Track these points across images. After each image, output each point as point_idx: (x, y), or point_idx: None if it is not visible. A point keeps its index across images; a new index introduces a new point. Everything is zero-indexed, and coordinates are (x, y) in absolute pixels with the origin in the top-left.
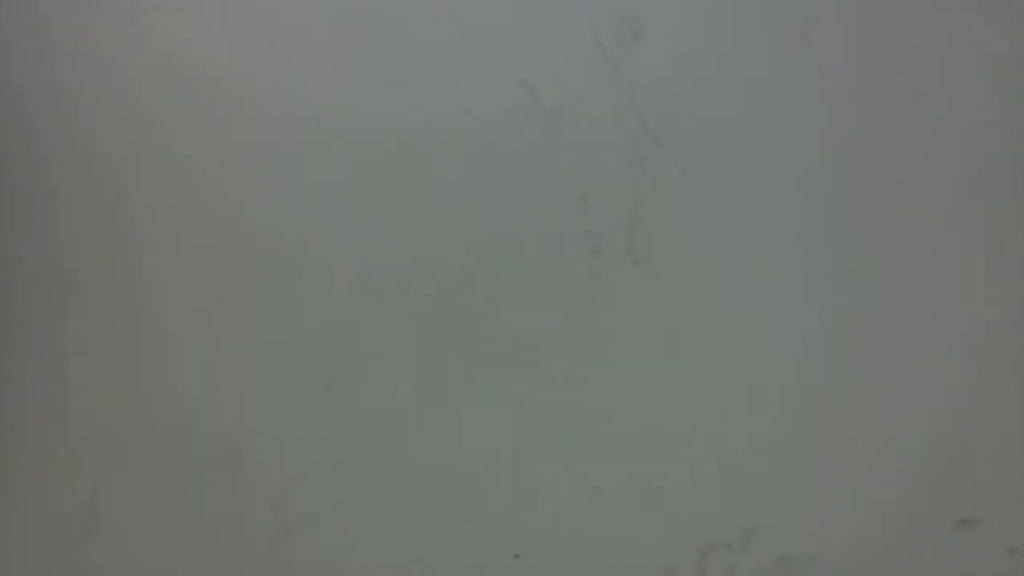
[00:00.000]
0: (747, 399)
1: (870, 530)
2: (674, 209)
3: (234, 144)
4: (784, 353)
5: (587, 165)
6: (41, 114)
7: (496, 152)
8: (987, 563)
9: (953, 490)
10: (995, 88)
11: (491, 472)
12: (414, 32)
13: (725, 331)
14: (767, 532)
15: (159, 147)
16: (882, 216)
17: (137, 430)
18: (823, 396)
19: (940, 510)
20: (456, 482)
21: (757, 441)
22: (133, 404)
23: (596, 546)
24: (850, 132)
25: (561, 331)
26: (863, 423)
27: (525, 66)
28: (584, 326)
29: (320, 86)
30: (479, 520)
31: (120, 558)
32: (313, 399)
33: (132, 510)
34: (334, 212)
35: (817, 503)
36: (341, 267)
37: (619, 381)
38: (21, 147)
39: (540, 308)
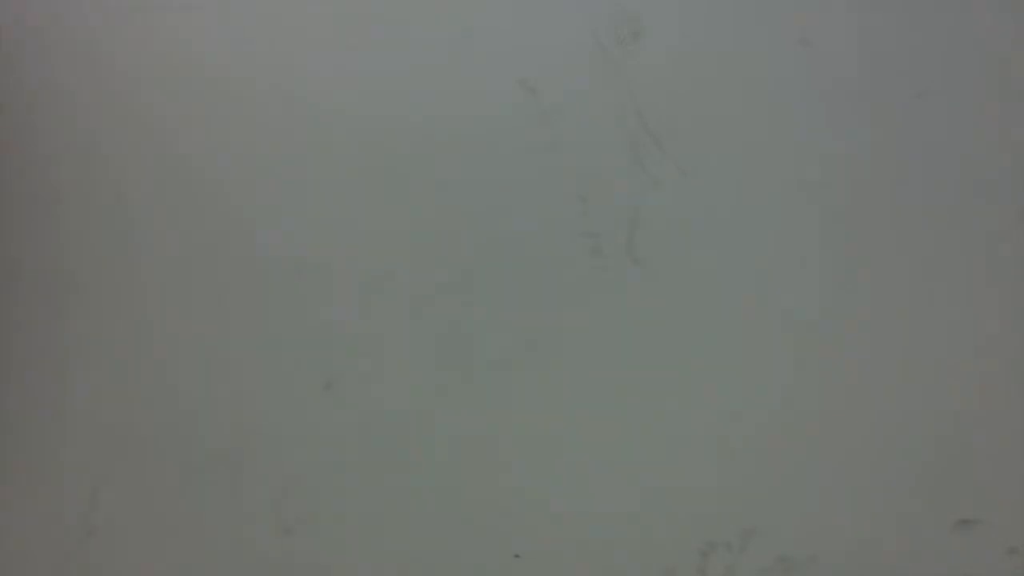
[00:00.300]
0: (747, 399)
1: (870, 530)
2: (674, 209)
3: (234, 144)
4: (784, 353)
5: (587, 165)
6: (41, 114)
7: (496, 152)
8: (987, 563)
9: (953, 490)
10: (995, 88)
11: (491, 472)
12: (414, 32)
13: (725, 331)
14: (767, 532)
15: (159, 147)
16: (882, 216)
17: (137, 430)
18: (823, 396)
19: (940, 510)
20: (456, 482)
21: (757, 441)
22: (133, 404)
23: (596, 546)
24: (850, 132)
25: (561, 331)
26: (863, 423)
27: (525, 66)
28: (584, 326)
29: (320, 86)
30: (479, 520)
31: (120, 558)
32: (313, 399)
33: (132, 510)
34: (334, 212)
35: (817, 503)
36: (341, 267)
37: (619, 381)
38: (21, 147)
39: (540, 308)
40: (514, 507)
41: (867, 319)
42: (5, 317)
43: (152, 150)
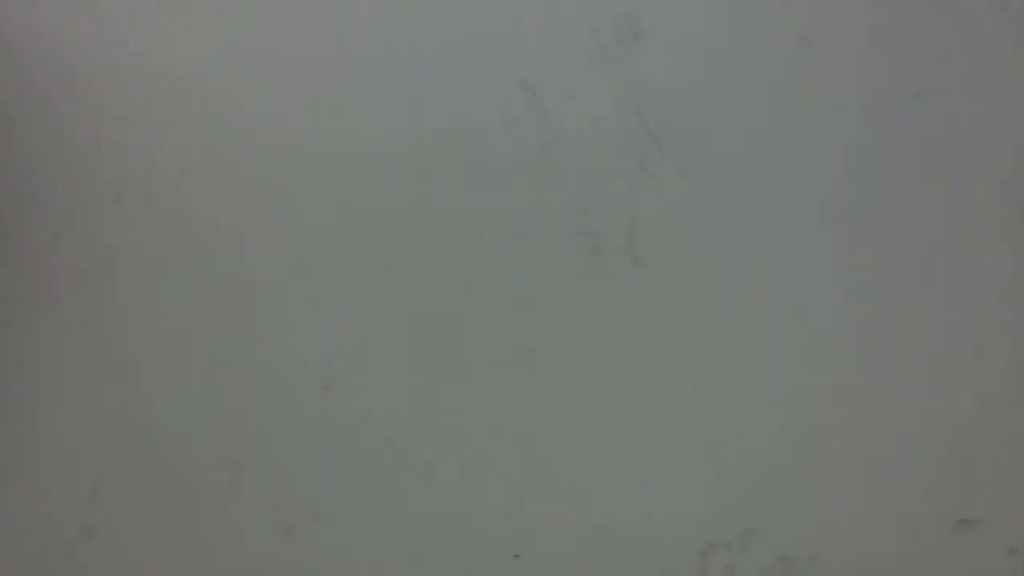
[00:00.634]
0: (747, 399)
1: (870, 530)
2: (674, 209)
3: (233, 144)
4: (784, 353)
5: (587, 165)
6: (41, 113)
7: (496, 152)
8: (987, 563)
9: (953, 490)
10: (995, 88)
11: (491, 472)
12: (414, 32)
13: (725, 331)
14: (767, 532)
15: (159, 147)
16: (882, 216)
17: (137, 430)
18: (823, 396)
19: (940, 510)
20: (456, 482)
21: (757, 441)
22: (133, 404)
23: (596, 546)
24: (850, 132)
25: (561, 331)
26: (863, 423)
27: (525, 66)
28: (584, 326)
29: (320, 86)
30: (479, 520)
31: (120, 558)
32: (313, 399)
33: (132, 510)
34: (334, 212)
35: (817, 503)
36: (341, 267)
37: (619, 381)
38: (20, 148)
39: (540, 308)
40: (514, 507)
41: (867, 319)
42: (5, 316)
43: (152, 150)
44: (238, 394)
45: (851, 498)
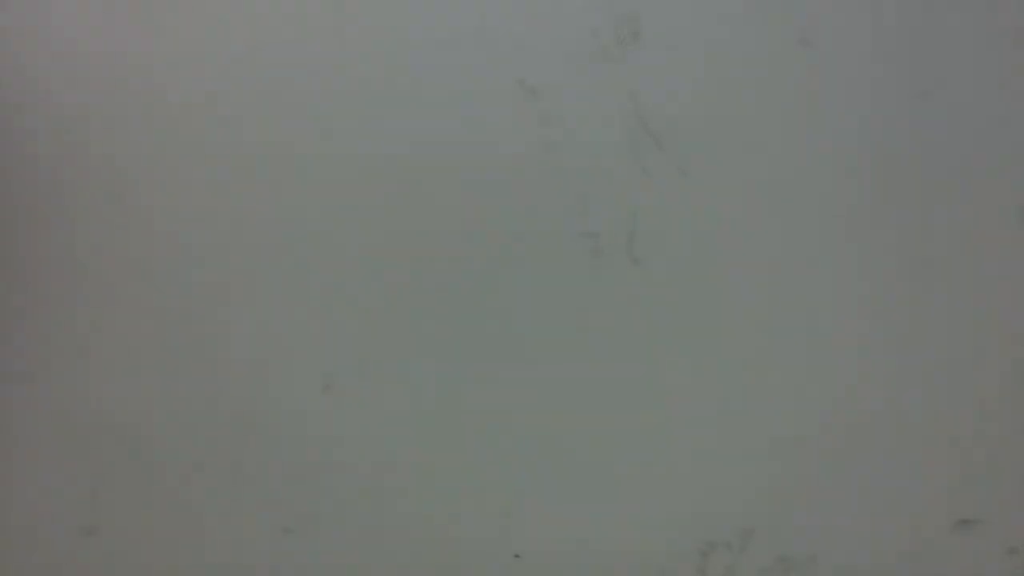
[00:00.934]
0: (746, 399)
1: (870, 530)
2: (674, 209)
3: (233, 143)
4: (784, 353)
5: (587, 165)
6: (40, 113)
7: (496, 152)
8: (987, 563)
9: (953, 490)
10: (995, 88)
11: (491, 472)
12: (413, 32)
13: (725, 331)
14: (767, 532)
15: (159, 146)
16: (882, 216)
17: (137, 430)
18: (823, 396)
19: (940, 510)
20: (456, 482)
21: (757, 441)
22: (133, 404)
23: (596, 546)
24: (849, 132)
25: (561, 331)
26: (863, 423)
27: (525, 66)
28: (584, 326)
29: (320, 86)
30: (479, 520)
31: (120, 558)
32: (312, 400)
33: (132, 510)
34: (333, 212)
35: (817, 503)
36: (340, 268)
37: (619, 381)
38: (21, 146)
39: (540, 308)
40: (514, 507)
41: (867, 319)
42: (6, 315)
43: (152, 149)
44: (238, 394)
45: (851, 498)
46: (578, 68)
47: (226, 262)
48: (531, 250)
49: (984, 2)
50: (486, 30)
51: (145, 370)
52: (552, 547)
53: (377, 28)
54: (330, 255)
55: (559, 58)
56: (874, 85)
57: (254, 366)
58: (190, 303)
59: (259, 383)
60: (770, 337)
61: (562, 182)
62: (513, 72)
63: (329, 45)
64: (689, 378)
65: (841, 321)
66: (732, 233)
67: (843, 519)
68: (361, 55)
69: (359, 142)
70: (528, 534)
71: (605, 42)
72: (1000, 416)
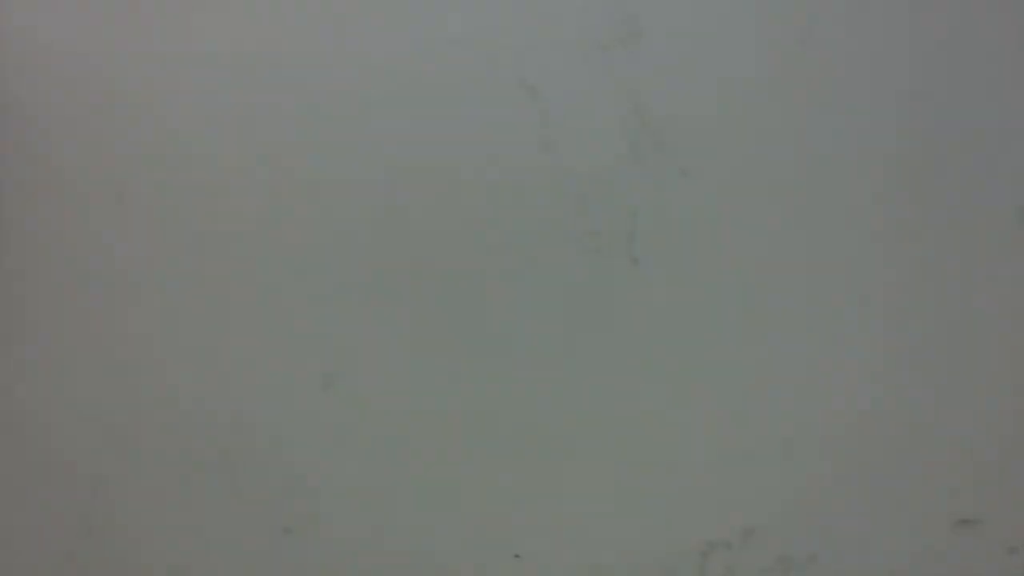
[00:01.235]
0: (747, 399)
1: (870, 530)
2: (674, 209)
3: (232, 141)
4: (784, 353)
5: (587, 165)
6: (40, 113)
7: (496, 152)
8: (987, 563)
9: (953, 490)
10: (995, 88)
11: (491, 472)
12: (413, 32)
13: (724, 331)
14: (767, 532)
15: (159, 145)
16: (882, 216)
17: (137, 430)
18: (823, 396)
19: (940, 510)
20: (456, 482)
21: (757, 441)
22: (133, 404)
23: (596, 546)
24: (849, 132)
25: (561, 331)
26: (863, 423)
27: (525, 66)
28: (584, 326)
29: (320, 86)
30: (479, 520)
31: (120, 558)
32: (312, 399)
33: (132, 510)
34: (333, 212)
35: (817, 503)
36: (340, 267)
37: (619, 381)
38: (20, 147)
39: (540, 308)
40: (514, 507)
41: (866, 319)
42: (5, 315)
43: (152, 148)
44: (238, 394)
45: (851, 498)
46: (578, 68)
47: (226, 261)
48: (531, 250)
49: (984, 2)
50: (486, 30)
51: (145, 369)
52: (552, 547)
53: (377, 28)
54: (330, 254)
55: (559, 58)
56: (874, 85)
57: (254, 365)
58: (190, 302)
59: (259, 382)
60: (770, 337)
61: (562, 182)
62: (513, 72)
63: (329, 45)
64: (689, 378)
65: (840, 321)
66: (732, 233)
67: (843, 519)
68: (361, 55)
69: (359, 142)
70: (528, 534)
71: (605, 42)
72: (1000, 416)
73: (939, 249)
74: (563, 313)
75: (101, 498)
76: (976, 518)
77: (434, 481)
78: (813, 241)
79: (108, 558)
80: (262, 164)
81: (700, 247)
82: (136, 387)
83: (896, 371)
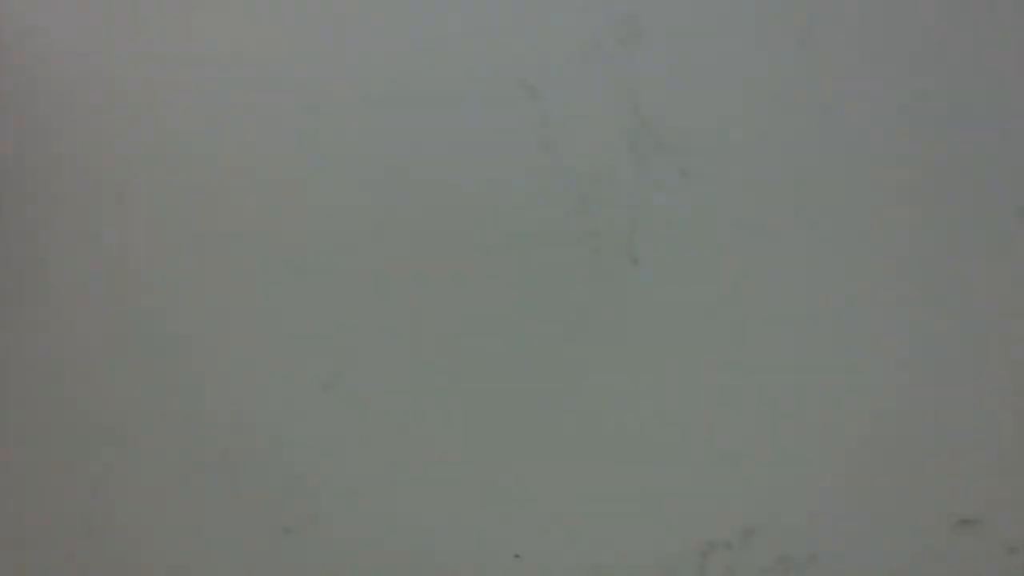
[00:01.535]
0: (747, 399)
1: (870, 530)
2: (674, 209)
3: (231, 142)
4: (784, 353)
5: (587, 165)
6: (40, 113)
7: (496, 152)
8: (987, 563)
9: (953, 490)
10: (995, 88)
11: (491, 472)
12: (413, 31)
13: (724, 331)
14: (767, 532)
15: (158, 145)
16: (882, 216)
17: (137, 430)
18: (823, 396)
19: (940, 510)
20: (456, 482)
21: (757, 441)
22: (133, 404)
23: (596, 546)
24: (849, 132)
25: (560, 331)
26: (863, 423)
27: (525, 66)
28: (584, 326)
29: (320, 86)
30: (479, 520)
31: (120, 558)
32: (312, 400)
33: (132, 510)
34: (333, 212)
35: (817, 503)
36: (339, 267)
37: (619, 381)
38: (20, 147)
39: (539, 308)
40: (514, 507)
41: (866, 319)
42: (5, 315)
43: (151, 148)
44: (238, 394)
45: (851, 498)
46: (578, 68)
47: (226, 261)
48: (531, 250)
49: (984, 2)
50: (486, 30)
51: (144, 369)
52: (552, 547)
53: (377, 28)
54: (330, 254)
55: (559, 58)
56: (874, 85)
57: (254, 365)
58: (190, 302)
59: (259, 382)
60: (770, 337)
61: (562, 182)
62: (513, 72)
63: (328, 45)
64: (689, 378)
65: (840, 321)
66: (732, 233)
67: (843, 519)
68: (361, 55)
69: (359, 142)
70: (528, 534)
71: (605, 42)
72: (1000, 416)
73: (939, 249)
74: (563, 313)
75: (101, 498)
76: (976, 518)
77: (434, 481)
78: (813, 241)
79: (108, 558)
80: (262, 164)
81: (700, 247)
82: (136, 387)
83: (896, 371)
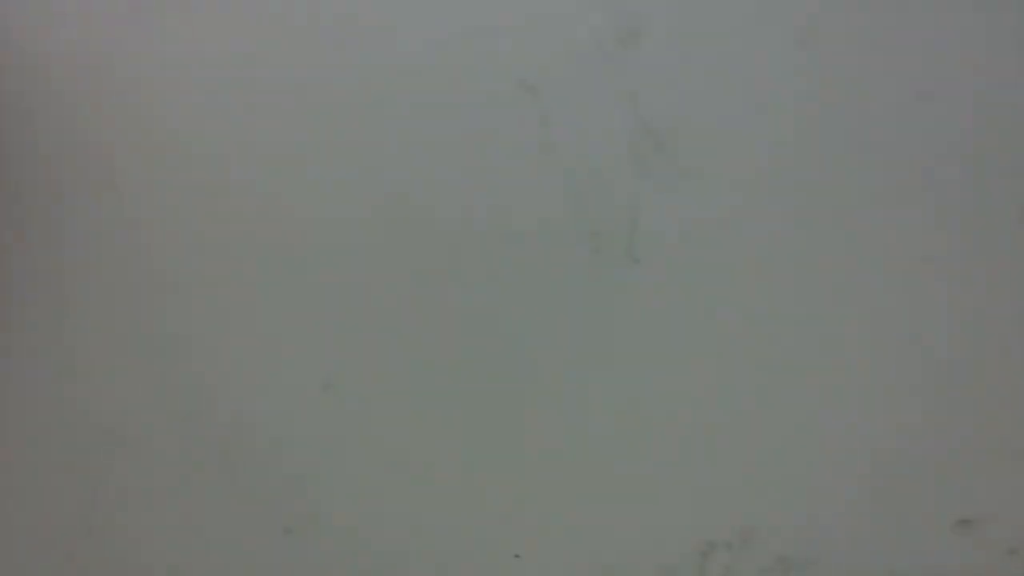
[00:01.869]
0: (746, 399)
1: (870, 530)
2: (674, 209)
3: (231, 142)
4: (784, 353)
5: (587, 165)
6: (41, 112)
7: (496, 152)
8: (987, 563)
9: (953, 490)
10: (995, 88)
11: (491, 472)
12: (413, 31)
13: (724, 331)
14: (767, 532)
15: (158, 145)
16: (882, 217)
17: (137, 430)
18: (823, 396)
19: (940, 510)
20: (456, 482)
21: (757, 441)
22: (133, 404)
23: (596, 546)
24: (850, 133)
25: (561, 331)
26: (863, 423)
27: (525, 66)
28: (584, 326)
29: (319, 85)
30: (479, 520)
31: (120, 558)
32: (313, 399)
33: (132, 510)
34: (333, 212)
35: (817, 503)
36: (339, 267)
37: (619, 381)
38: (20, 147)
39: (539, 308)
40: (514, 507)
41: (866, 319)
42: (5, 315)
43: (151, 149)
44: (238, 394)
45: (851, 498)
46: (578, 68)
47: (226, 261)
48: (531, 250)
49: (984, 2)
50: (486, 30)
51: (144, 369)
52: (552, 547)
53: (376, 28)
54: (330, 254)
55: (559, 58)
56: (874, 85)
57: (254, 366)
58: (190, 302)
59: (259, 382)
60: (769, 337)
61: (562, 182)
62: (513, 72)
63: (328, 45)
64: (689, 378)
65: (840, 321)
66: (732, 233)
67: (843, 519)
68: (360, 55)
69: (358, 142)
70: (528, 534)
71: (605, 42)
72: (1000, 416)
73: (939, 249)
74: (563, 313)
75: (101, 498)
76: (976, 518)
77: (434, 481)
78: (813, 241)
79: (108, 558)
80: (262, 164)
81: (700, 247)
82: (136, 387)
83: (896, 370)
